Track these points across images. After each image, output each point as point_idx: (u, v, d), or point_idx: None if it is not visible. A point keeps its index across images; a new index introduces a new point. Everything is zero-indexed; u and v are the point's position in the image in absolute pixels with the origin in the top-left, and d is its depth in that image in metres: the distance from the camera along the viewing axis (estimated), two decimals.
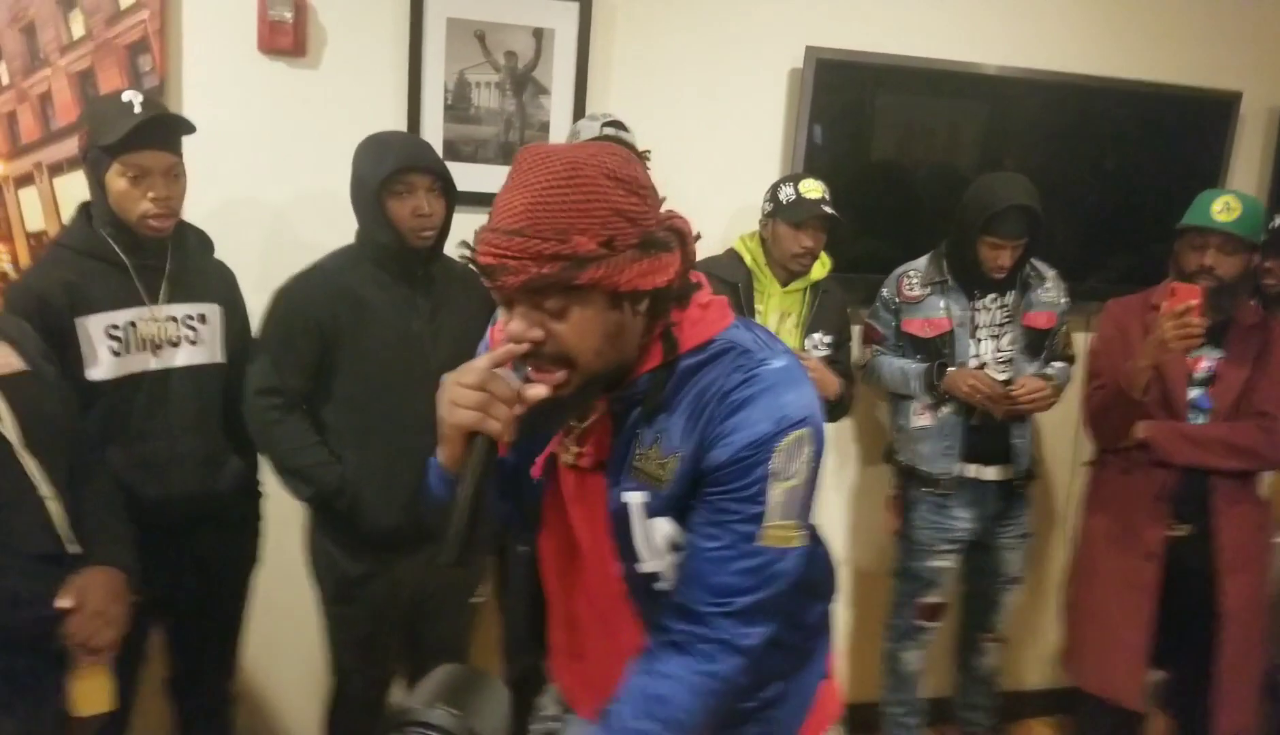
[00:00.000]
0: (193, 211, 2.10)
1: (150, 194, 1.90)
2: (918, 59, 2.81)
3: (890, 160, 2.94)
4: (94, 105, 2.09)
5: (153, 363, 1.98)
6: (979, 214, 2.49)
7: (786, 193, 2.45)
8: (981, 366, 2.60)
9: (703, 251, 1.40)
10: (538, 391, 1.07)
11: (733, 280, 2.47)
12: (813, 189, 2.44)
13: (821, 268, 2.54)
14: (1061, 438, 3.18)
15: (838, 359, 2.60)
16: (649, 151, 2.31)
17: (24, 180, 2.37)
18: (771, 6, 2.74)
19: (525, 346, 1.06)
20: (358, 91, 2.50)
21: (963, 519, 2.68)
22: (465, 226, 2.36)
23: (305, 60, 2.47)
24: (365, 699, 2.27)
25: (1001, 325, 2.63)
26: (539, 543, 1.32)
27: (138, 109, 1.87)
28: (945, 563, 2.73)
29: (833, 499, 3.10)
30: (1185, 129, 3.07)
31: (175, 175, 1.95)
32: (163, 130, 1.92)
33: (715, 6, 2.71)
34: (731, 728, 1.26)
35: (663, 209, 1.13)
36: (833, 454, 3.02)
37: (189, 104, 2.39)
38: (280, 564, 2.31)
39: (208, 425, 2.06)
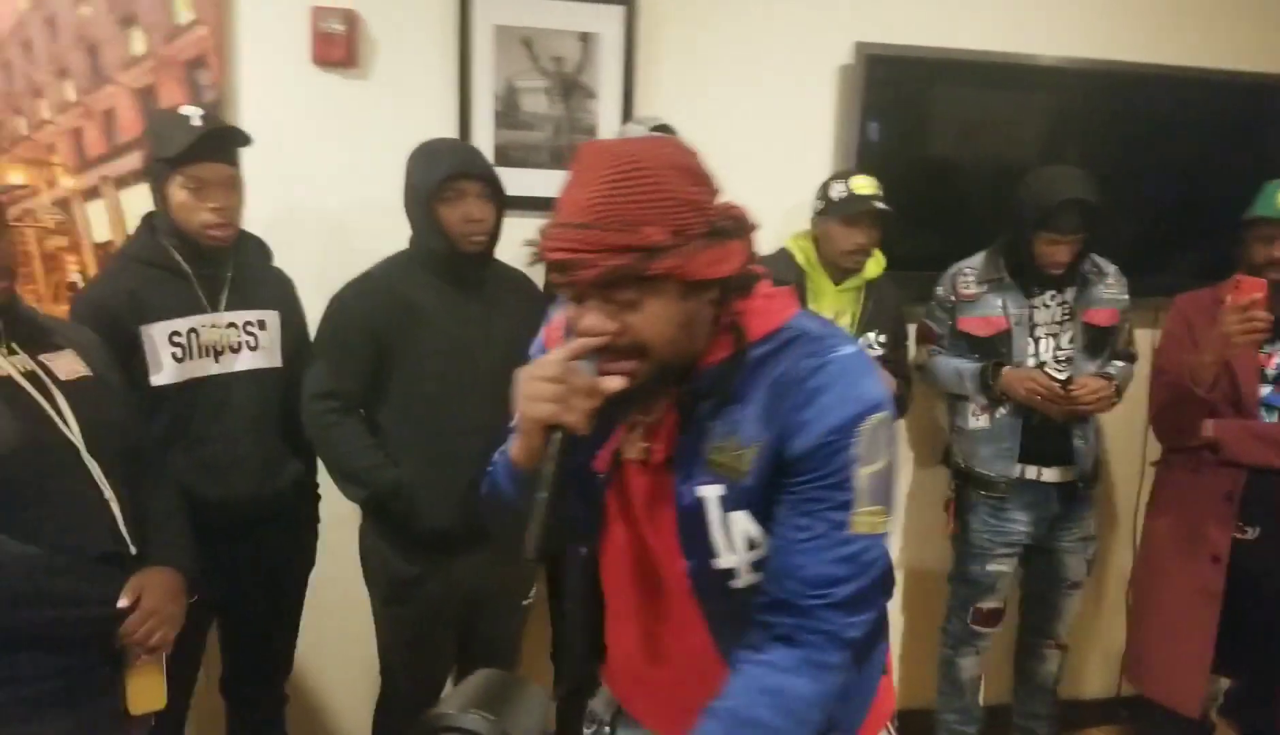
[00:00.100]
0: (251, 221, 2.14)
1: (210, 205, 1.95)
2: (971, 52, 2.77)
3: (945, 156, 2.90)
4: (155, 120, 2.14)
5: (214, 368, 2.02)
6: (1034, 209, 2.44)
7: (838, 190, 2.43)
8: (1040, 366, 2.54)
9: None
10: (614, 383, 1.07)
11: (785, 280, 2.44)
12: (865, 185, 2.41)
13: (876, 266, 2.52)
14: (1127, 438, 3.10)
15: (892, 359, 2.57)
16: None
17: (91, 194, 2.44)
18: (819, 4, 2.73)
19: (601, 340, 1.06)
20: (409, 101, 2.54)
21: (1021, 522, 2.63)
22: (516, 231, 2.38)
23: (357, 71, 2.51)
24: (415, 700, 2.29)
25: (1061, 323, 2.57)
26: (598, 543, 1.30)
27: (197, 123, 1.92)
28: (1003, 567, 2.67)
29: None
30: (1252, 117, 2.98)
31: (233, 186, 2.00)
32: (221, 143, 1.97)
33: (761, 5, 2.70)
34: None
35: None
36: None
37: (246, 117, 2.44)
38: (334, 565, 2.34)
39: (266, 429, 2.10)
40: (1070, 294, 2.57)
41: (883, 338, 2.54)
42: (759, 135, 2.73)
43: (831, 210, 2.42)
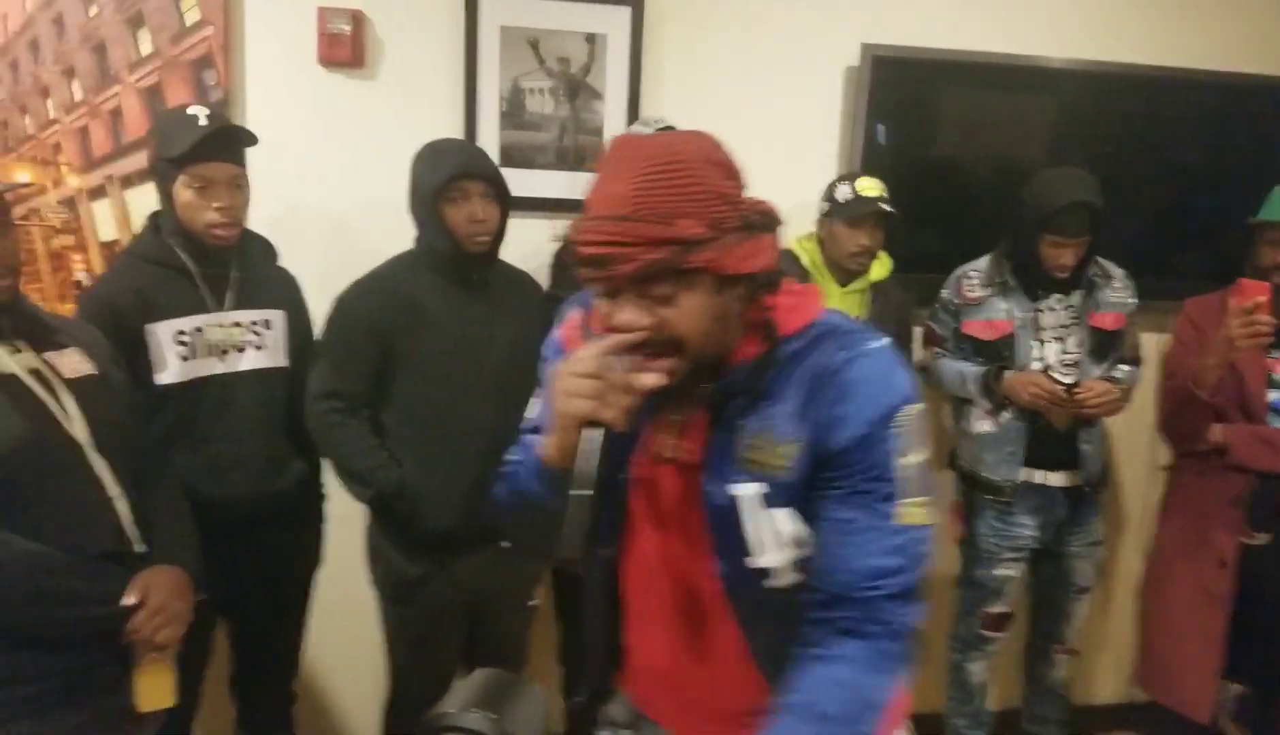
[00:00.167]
0: (257, 220, 2.14)
1: (215, 204, 1.95)
2: (977, 53, 2.76)
3: (951, 158, 2.89)
4: (161, 119, 2.15)
5: (219, 367, 2.02)
6: (1038, 211, 2.42)
7: (843, 191, 2.42)
8: (1045, 369, 2.53)
9: None
10: (652, 379, 1.06)
11: None
12: (870, 187, 2.41)
13: (881, 268, 2.51)
14: (1136, 442, 3.08)
15: None
16: None
17: (97, 193, 2.45)
18: (825, 5, 2.72)
19: (638, 335, 1.05)
20: (414, 101, 2.54)
21: (1028, 526, 2.61)
22: (520, 232, 2.39)
23: (363, 71, 2.51)
24: (423, 699, 2.28)
25: (1067, 326, 2.55)
26: (620, 545, 1.28)
27: (203, 122, 1.92)
28: (1010, 572, 2.66)
29: None
30: (1260, 119, 2.96)
31: (239, 186, 2.00)
32: (227, 142, 1.97)
33: (768, 7, 2.70)
34: None
35: None
36: None
37: (252, 116, 2.45)
38: (342, 564, 2.34)
39: (271, 428, 2.10)
40: (1077, 297, 2.56)
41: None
42: (765, 136, 2.72)
43: (836, 212, 2.42)
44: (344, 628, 2.59)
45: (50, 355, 1.62)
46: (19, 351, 1.59)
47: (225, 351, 2.03)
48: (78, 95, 2.40)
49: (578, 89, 2.60)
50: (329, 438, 2.13)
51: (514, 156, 2.58)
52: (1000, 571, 2.65)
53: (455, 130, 2.53)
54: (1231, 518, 2.39)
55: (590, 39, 2.57)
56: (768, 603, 1.17)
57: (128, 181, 2.44)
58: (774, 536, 1.14)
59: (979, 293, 2.58)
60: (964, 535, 2.71)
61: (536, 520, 1.19)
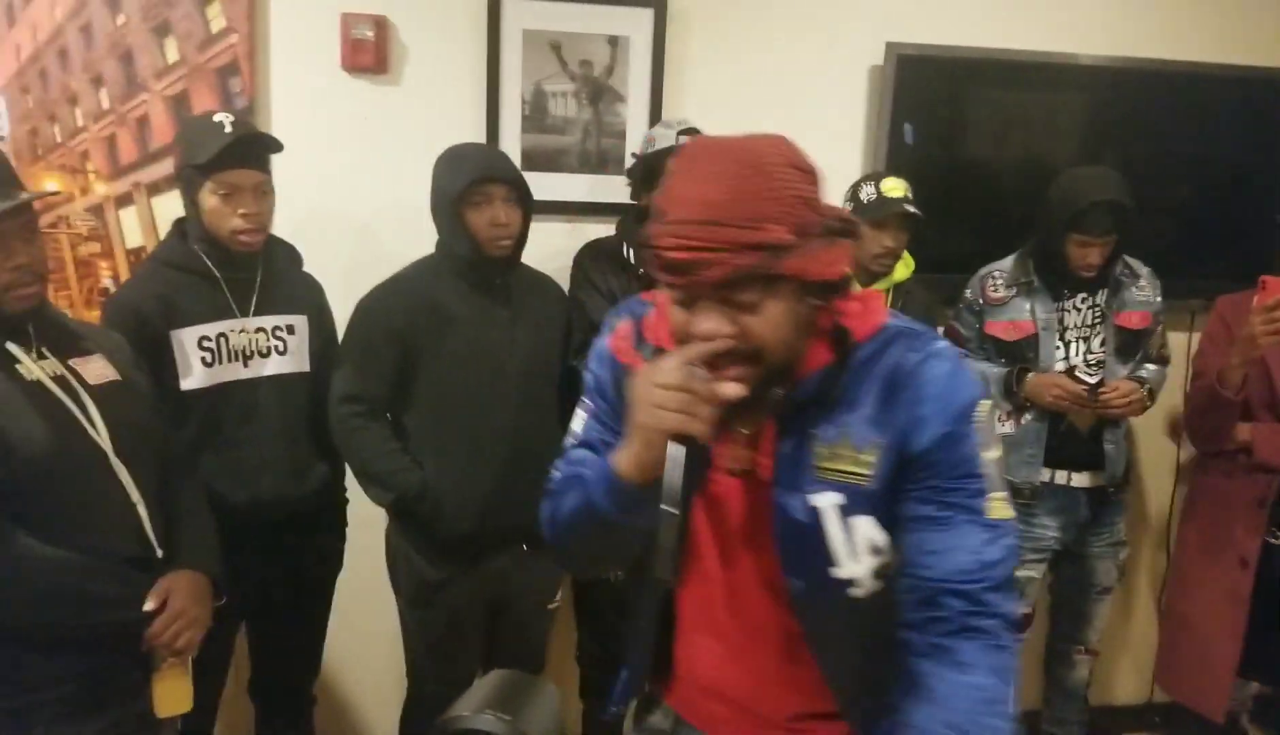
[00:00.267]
0: (282, 226, 2.16)
1: (240, 210, 1.96)
2: (1003, 51, 2.74)
3: (977, 157, 2.87)
4: (187, 126, 2.17)
5: (243, 373, 2.04)
6: (1065, 210, 2.40)
7: (867, 192, 2.41)
8: (1070, 369, 2.50)
9: None
10: (735, 390, 1.03)
11: None
12: (894, 188, 2.39)
13: (904, 269, 2.49)
14: (1161, 442, 3.06)
15: None
16: None
17: (124, 200, 2.48)
18: (849, 4, 2.71)
19: (723, 344, 1.03)
20: (438, 105, 2.55)
21: (1050, 527, 2.59)
22: (543, 236, 2.39)
23: (387, 77, 2.52)
24: (442, 702, 2.28)
25: (1092, 326, 2.53)
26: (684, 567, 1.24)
27: (228, 129, 1.94)
28: (1031, 573, 2.63)
29: None
30: None
31: (264, 192, 2.01)
32: (252, 149, 1.98)
33: (790, 6, 2.68)
34: (878, 716, 1.24)
35: None
36: None
37: (277, 123, 2.46)
38: (362, 568, 2.35)
39: (294, 433, 2.11)
40: (1102, 296, 2.53)
41: None
42: (788, 137, 2.70)
43: (860, 213, 2.40)
44: (364, 630, 2.60)
45: (75, 362, 1.64)
46: (44, 358, 1.60)
47: (249, 357, 2.04)
48: (105, 103, 2.43)
49: (600, 92, 2.60)
50: (350, 441, 2.14)
51: (536, 160, 2.58)
52: (1021, 572, 2.62)
53: (478, 134, 2.54)
54: (1254, 518, 2.37)
55: (613, 41, 2.57)
56: (839, 612, 1.16)
57: (154, 189, 2.47)
58: (857, 546, 1.13)
59: (1003, 293, 2.56)
60: None
61: (603, 539, 1.17)
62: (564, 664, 2.58)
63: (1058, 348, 2.52)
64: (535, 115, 2.58)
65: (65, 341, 1.66)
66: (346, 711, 2.82)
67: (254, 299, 2.06)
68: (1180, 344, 2.87)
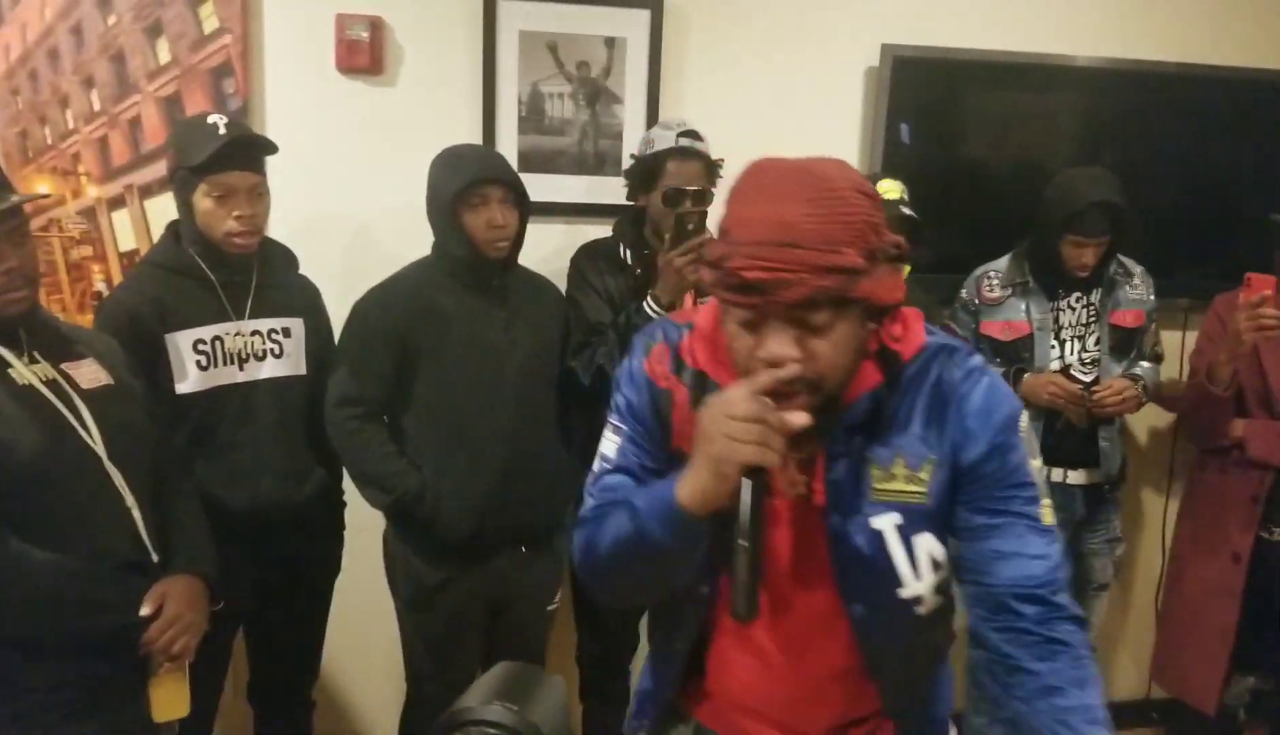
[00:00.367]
0: (277, 228, 2.14)
1: (235, 213, 1.95)
2: (998, 53, 2.74)
3: (973, 159, 2.88)
4: (180, 128, 2.15)
5: (238, 376, 2.02)
6: (1060, 211, 2.41)
7: None
8: (1066, 368, 2.52)
9: None
10: (803, 419, 1.02)
11: None
12: (890, 189, 2.39)
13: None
14: (1156, 439, 3.07)
15: None
16: (722, 160, 2.29)
17: (116, 202, 2.45)
18: (845, 6, 2.71)
19: (792, 371, 1.02)
20: (433, 106, 2.54)
21: None
22: (540, 237, 2.38)
23: (382, 78, 2.51)
24: (442, 705, 2.27)
25: (1087, 325, 2.55)
26: (718, 582, 1.22)
27: (222, 131, 1.92)
28: None
29: None
30: None
31: (259, 194, 2.00)
32: (246, 151, 1.97)
33: (787, 9, 2.68)
34: (907, 711, 1.27)
35: None
36: None
37: (271, 124, 2.45)
38: (360, 571, 2.34)
39: (291, 436, 2.10)
40: (1096, 296, 2.55)
41: None
42: (784, 138, 2.68)
43: None
44: (363, 633, 2.59)
45: (67, 366, 1.63)
46: (36, 362, 1.59)
47: (245, 360, 2.03)
48: (97, 105, 2.40)
49: (597, 93, 2.59)
50: (347, 444, 2.13)
51: (533, 161, 2.57)
52: None
53: (474, 136, 2.53)
54: (1248, 514, 2.41)
55: (609, 42, 2.56)
56: (900, 630, 1.18)
57: (147, 191, 2.45)
58: (920, 564, 1.15)
59: (999, 293, 2.58)
60: None
61: (653, 569, 1.16)
62: (564, 665, 2.57)
63: (1053, 347, 2.54)
64: (532, 116, 2.57)
65: (57, 345, 1.65)
66: (346, 715, 2.80)
67: (249, 302, 2.04)
68: (1174, 343, 2.89)
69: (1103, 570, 2.69)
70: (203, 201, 1.94)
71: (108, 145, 2.43)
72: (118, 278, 2.45)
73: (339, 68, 2.47)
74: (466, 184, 2.06)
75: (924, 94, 2.74)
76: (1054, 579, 1.11)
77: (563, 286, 2.39)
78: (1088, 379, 2.47)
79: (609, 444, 1.26)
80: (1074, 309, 2.54)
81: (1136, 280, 2.58)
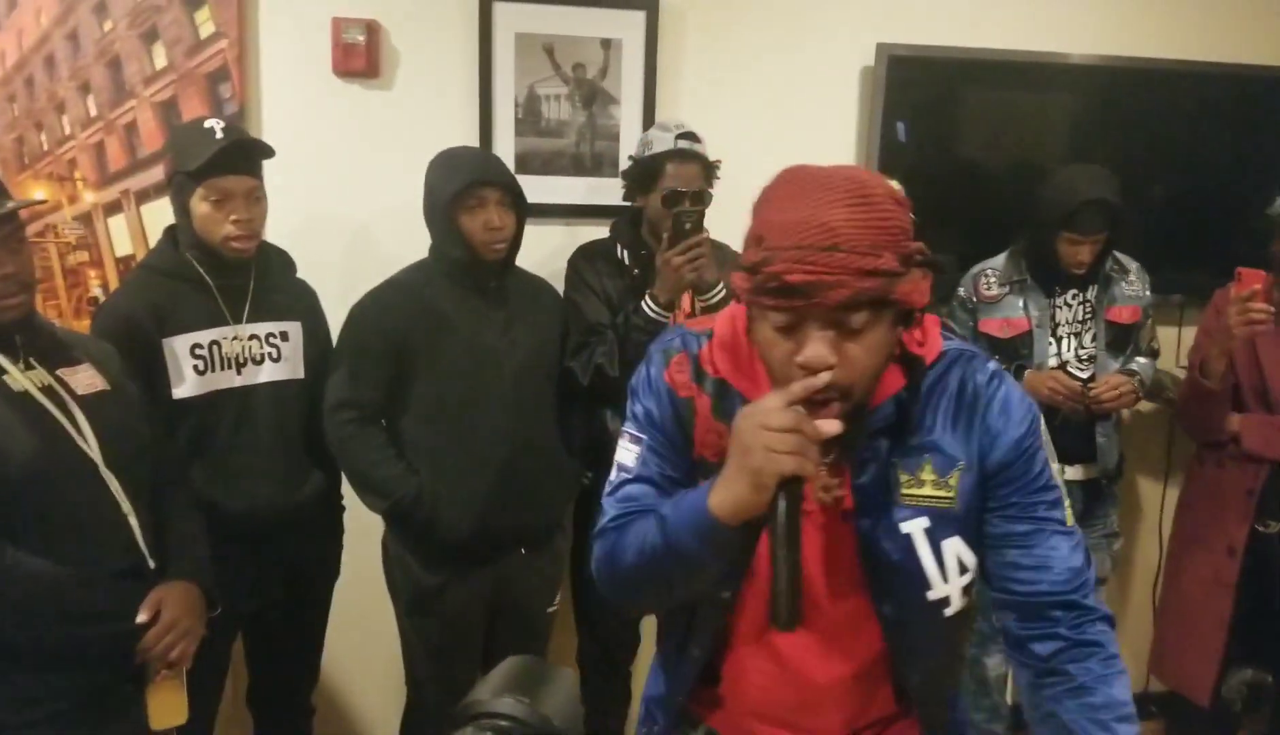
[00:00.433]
0: (274, 231, 2.14)
1: (232, 217, 1.94)
2: (994, 51, 2.75)
3: (969, 157, 2.88)
4: (177, 133, 2.14)
5: (236, 380, 2.02)
6: (1057, 209, 2.42)
7: None
8: (1063, 365, 2.52)
9: None
10: (836, 426, 1.02)
11: None
12: None
13: None
14: (1153, 434, 3.08)
15: None
16: (720, 161, 2.30)
17: (112, 208, 2.45)
18: (840, 6, 2.72)
19: (827, 378, 1.02)
20: (430, 109, 2.54)
21: None
22: (537, 238, 2.38)
23: (378, 81, 2.51)
24: (442, 709, 2.28)
25: (1083, 322, 2.56)
26: (740, 587, 1.23)
27: (219, 135, 1.92)
28: None
29: None
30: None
31: (256, 198, 1.99)
32: (243, 155, 1.96)
33: (783, 9, 2.69)
34: (933, 712, 1.28)
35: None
36: None
37: (268, 128, 2.45)
38: (360, 575, 2.34)
39: (290, 440, 2.09)
40: (1092, 292, 2.56)
41: None
42: (780, 138, 2.71)
43: None
44: (363, 638, 2.59)
45: (63, 372, 1.62)
46: (31, 368, 1.58)
47: (243, 365, 2.03)
48: (93, 110, 2.40)
49: (594, 94, 2.59)
50: (345, 448, 2.13)
51: (530, 163, 2.57)
52: None
53: (471, 138, 2.53)
54: (1243, 507, 2.42)
55: (606, 44, 2.57)
56: (929, 630, 1.20)
57: (144, 196, 2.45)
58: (948, 567, 1.17)
59: (996, 291, 2.58)
60: None
61: (681, 579, 1.16)
62: (564, 665, 2.57)
63: (1050, 344, 2.54)
64: (528, 118, 2.57)
65: (53, 351, 1.64)
66: (346, 719, 2.80)
67: (247, 306, 2.04)
68: (1170, 338, 2.89)
69: (1100, 565, 2.69)
70: (200, 206, 1.94)
71: (104, 151, 2.42)
72: (114, 283, 2.45)
73: (335, 71, 2.48)
74: (464, 186, 2.06)
75: (920, 93, 2.74)
76: (1083, 582, 1.14)
77: (560, 288, 2.40)
78: (1084, 375, 2.48)
79: (627, 454, 1.25)
80: (1070, 306, 2.55)
81: (1132, 277, 2.59)
